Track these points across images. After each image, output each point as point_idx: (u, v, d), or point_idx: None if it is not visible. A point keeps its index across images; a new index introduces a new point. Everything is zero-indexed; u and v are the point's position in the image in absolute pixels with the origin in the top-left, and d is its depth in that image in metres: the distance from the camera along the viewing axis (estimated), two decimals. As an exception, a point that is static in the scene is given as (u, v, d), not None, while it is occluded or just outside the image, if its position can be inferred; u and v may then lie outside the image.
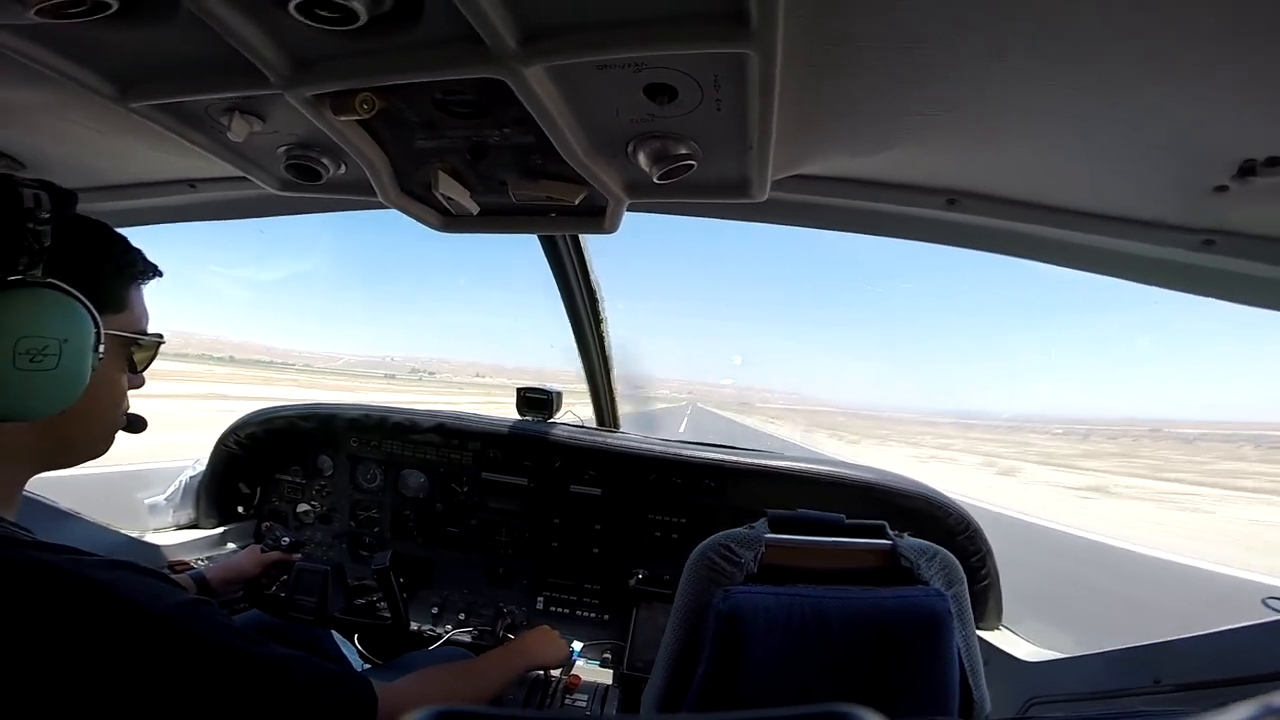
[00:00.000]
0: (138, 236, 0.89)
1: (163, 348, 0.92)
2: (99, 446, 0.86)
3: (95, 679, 0.62)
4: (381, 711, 0.83)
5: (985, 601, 1.59)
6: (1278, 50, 0.58)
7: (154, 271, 0.89)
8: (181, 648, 0.68)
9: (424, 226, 1.16)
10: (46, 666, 0.61)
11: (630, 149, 0.86)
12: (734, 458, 1.80)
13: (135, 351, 0.87)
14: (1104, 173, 0.88)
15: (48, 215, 0.71)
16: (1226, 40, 0.58)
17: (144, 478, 2.10)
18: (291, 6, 0.57)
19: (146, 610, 0.67)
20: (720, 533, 0.88)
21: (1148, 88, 0.67)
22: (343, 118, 0.78)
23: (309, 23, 0.59)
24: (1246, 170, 0.77)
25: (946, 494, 1.65)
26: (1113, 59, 0.63)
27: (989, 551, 1.60)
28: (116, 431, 0.88)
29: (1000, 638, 1.55)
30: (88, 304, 0.74)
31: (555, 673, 1.55)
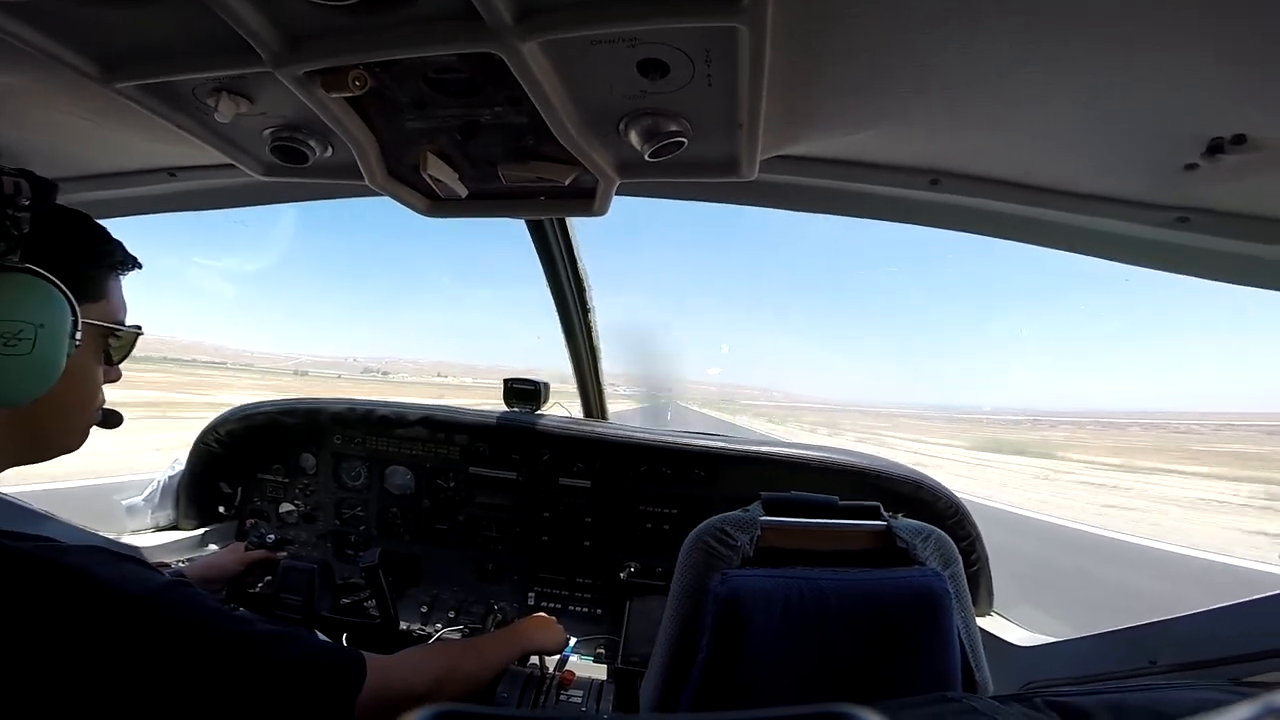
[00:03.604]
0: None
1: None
2: (73, 440, 0.84)
3: (77, 665, 0.62)
4: (376, 682, 0.83)
5: (976, 587, 1.60)
6: (1243, 31, 0.61)
7: (133, 263, 0.88)
8: (162, 629, 0.67)
9: (409, 216, 1.16)
10: (27, 654, 0.60)
11: (622, 127, 0.86)
12: (724, 444, 1.80)
13: (112, 343, 0.85)
14: (1080, 152, 0.90)
15: (27, 203, 0.70)
16: (1194, 22, 0.61)
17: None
18: None
19: (125, 594, 0.67)
20: (716, 516, 0.89)
21: (1120, 67, 0.70)
22: (334, 94, 0.78)
23: None
24: (1215, 148, 0.79)
25: (935, 479, 1.67)
26: (1087, 40, 0.66)
27: (978, 536, 1.61)
28: (91, 425, 0.87)
29: (993, 623, 1.56)
30: (65, 290, 0.73)
31: (550, 665, 1.53)
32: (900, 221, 1.13)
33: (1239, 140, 0.77)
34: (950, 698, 0.78)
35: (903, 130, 0.91)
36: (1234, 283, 1.00)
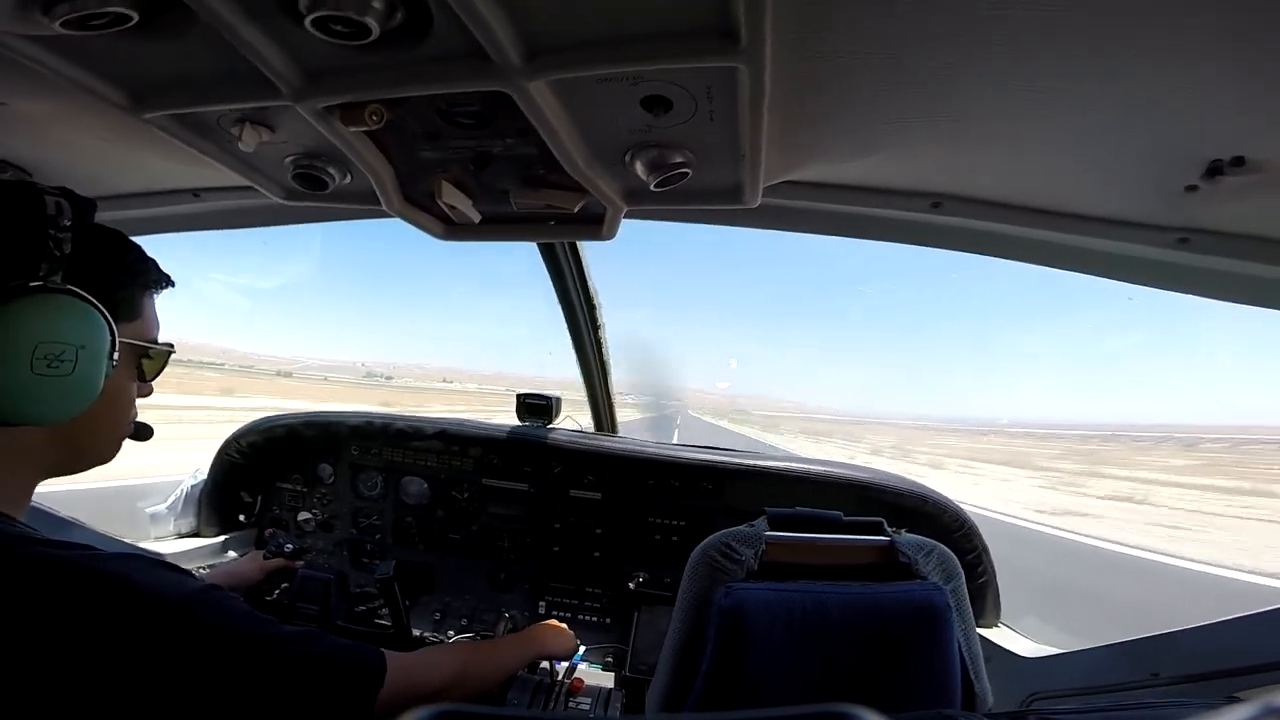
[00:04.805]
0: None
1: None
2: (107, 453, 0.87)
3: (115, 668, 0.64)
4: (396, 679, 0.85)
5: (983, 599, 1.60)
6: (1241, 55, 0.62)
7: (167, 281, 0.90)
8: (197, 633, 0.70)
9: (426, 237, 1.19)
10: (69, 657, 0.62)
11: (628, 158, 0.89)
12: (731, 459, 1.82)
13: (145, 360, 0.88)
14: (1080, 173, 0.91)
15: (69, 223, 0.72)
16: (1193, 47, 0.61)
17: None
18: (307, 22, 0.60)
19: (161, 598, 0.69)
20: (721, 531, 0.90)
21: (1118, 91, 0.70)
22: (352, 129, 0.81)
23: (323, 37, 0.62)
24: (1215, 170, 0.80)
25: (941, 493, 1.67)
26: (1086, 65, 0.66)
27: (985, 549, 1.62)
28: (124, 439, 0.90)
29: (999, 635, 1.57)
30: (104, 312, 0.75)
31: (560, 669, 1.56)
32: (903, 243, 1.14)
33: (1238, 162, 0.78)
34: (947, 715, 0.79)
35: (904, 155, 0.92)
36: (1235, 301, 1.00)
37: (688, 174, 0.88)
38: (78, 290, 0.73)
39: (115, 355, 0.77)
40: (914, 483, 1.70)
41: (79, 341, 0.72)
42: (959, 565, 0.91)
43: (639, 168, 0.88)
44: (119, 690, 0.64)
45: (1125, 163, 0.85)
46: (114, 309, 0.77)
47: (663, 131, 0.82)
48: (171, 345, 0.92)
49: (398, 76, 0.72)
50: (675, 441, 2.15)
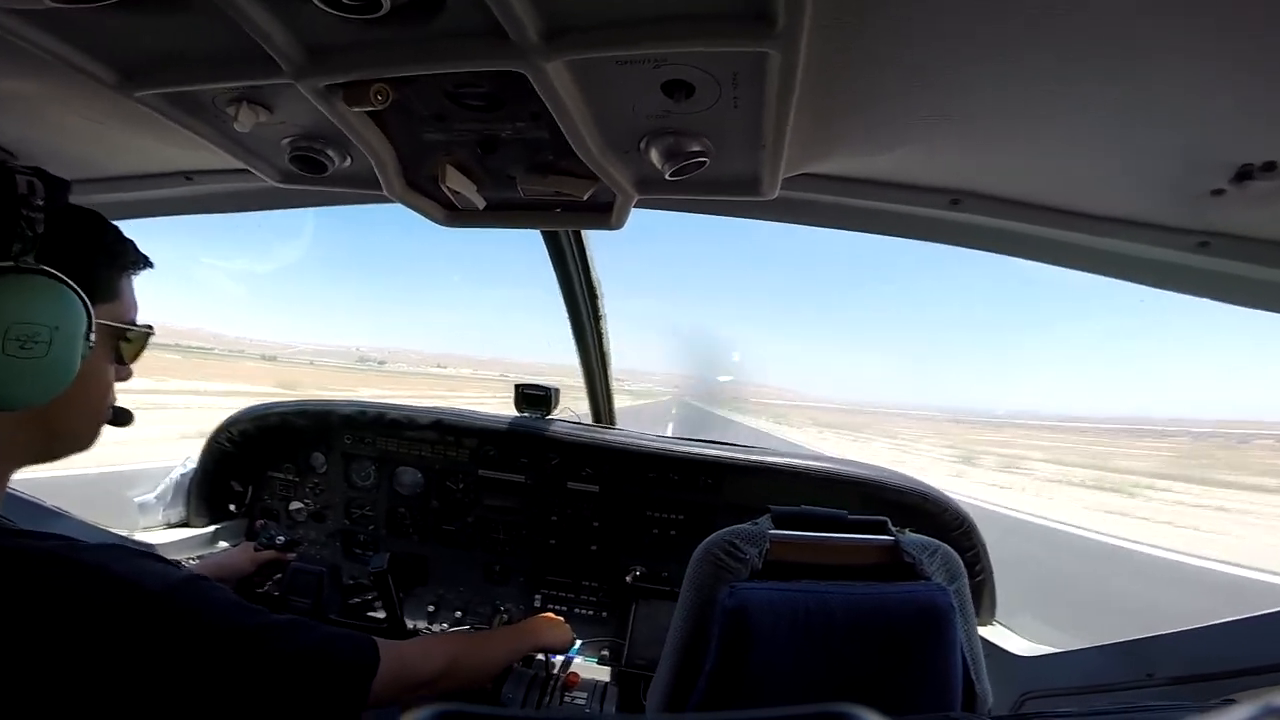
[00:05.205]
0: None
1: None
2: (85, 439, 0.84)
3: (96, 661, 0.62)
4: (391, 667, 0.84)
5: (980, 597, 1.61)
6: (1275, 58, 0.60)
7: (145, 262, 0.88)
8: (179, 624, 0.68)
9: (428, 223, 1.15)
10: (48, 650, 0.61)
11: (643, 145, 0.86)
12: (731, 455, 1.81)
13: (123, 343, 0.85)
14: (1102, 174, 0.89)
15: (41, 202, 0.70)
16: (1226, 47, 0.60)
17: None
18: None
19: (143, 589, 0.67)
20: (725, 529, 0.89)
21: (1148, 92, 0.69)
22: (355, 109, 0.78)
23: (331, 11, 0.58)
24: (1243, 175, 0.78)
25: (943, 491, 1.67)
26: (1113, 63, 0.65)
27: (983, 547, 1.62)
28: (103, 424, 0.87)
29: (994, 633, 1.57)
30: (80, 292, 0.72)
31: (556, 661, 1.55)
32: (920, 239, 1.13)
33: (1269, 167, 0.76)
34: (952, 718, 0.79)
35: (926, 151, 0.90)
36: (1255, 307, 0.99)
37: (705, 163, 0.86)
38: (51, 270, 0.70)
39: (92, 336, 0.75)
40: (915, 480, 1.70)
41: (53, 322, 0.70)
42: (962, 565, 0.91)
43: (654, 155, 0.85)
44: (101, 681, 0.62)
45: (1152, 165, 0.84)
46: (91, 290, 0.74)
47: (681, 118, 0.79)
48: (150, 326, 0.89)
49: (408, 54, 0.69)
50: (669, 434, 2.13)
